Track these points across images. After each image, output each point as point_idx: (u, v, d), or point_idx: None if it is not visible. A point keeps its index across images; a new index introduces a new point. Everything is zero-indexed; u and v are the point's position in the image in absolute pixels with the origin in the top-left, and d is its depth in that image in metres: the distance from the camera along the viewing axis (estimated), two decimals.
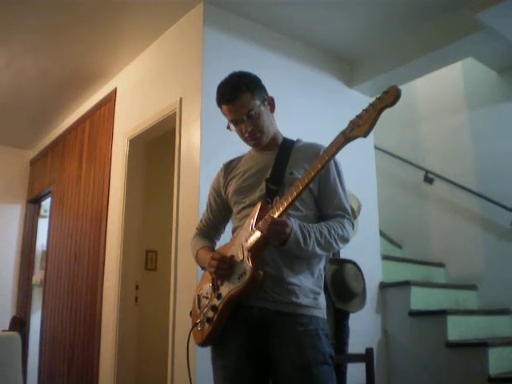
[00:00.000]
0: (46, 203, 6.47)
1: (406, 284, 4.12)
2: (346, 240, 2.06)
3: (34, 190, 6.59)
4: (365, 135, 1.75)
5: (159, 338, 3.87)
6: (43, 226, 6.44)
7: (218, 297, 1.99)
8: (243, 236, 1.99)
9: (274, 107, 2.22)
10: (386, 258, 4.47)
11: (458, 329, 3.77)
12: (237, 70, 3.65)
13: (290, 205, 1.87)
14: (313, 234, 1.93)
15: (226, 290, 1.96)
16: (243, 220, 2.06)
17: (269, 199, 1.99)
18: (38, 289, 6.36)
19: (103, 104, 4.97)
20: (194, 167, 3.47)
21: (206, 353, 2.12)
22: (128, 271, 4.19)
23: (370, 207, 4.35)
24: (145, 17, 3.92)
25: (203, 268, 2.22)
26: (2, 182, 6.60)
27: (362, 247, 4.00)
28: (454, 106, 5.09)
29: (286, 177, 2.05)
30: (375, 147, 4.70)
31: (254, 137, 2.14)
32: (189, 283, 3.34)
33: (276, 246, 1.91)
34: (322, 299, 2.05)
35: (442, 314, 3.81)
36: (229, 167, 2.31)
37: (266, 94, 2.21)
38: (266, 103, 2.17)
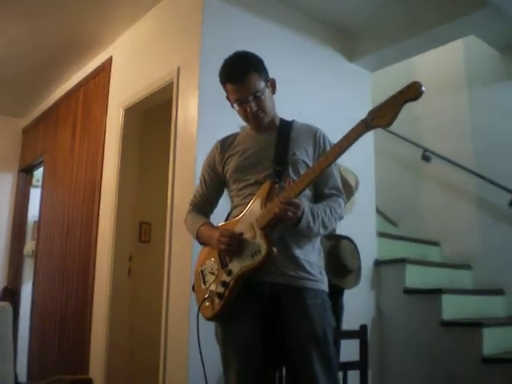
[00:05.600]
0: (39, 173, 6.39)
1: (401, 261, 4.10)
2: (341, 218, 2.21)
3: (26, 160, 6.50)
4: (388, 125, 1.86)
5: (152, 309, 3.84)
6: (35, 195, 6.35)
7: (229, 273, 2.06)
8: (252, 214, 2.06)
9: (275, 89, 2.28)
10: (381, 235, 4.44)
11: (452, 308, 3.77)
12: (236, 39, 3.61)
13: (306, 187, 1.98)
14: (320, 215, 2.05)
15: (237, 266, 2.04)
16: (247, 198, 2.14)
17: (276, 179, 2.07)
18: (29, 259, 6.30)
19: (98, 73, 4.87)
20: (191, 140, 3.40)
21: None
22: (121, 243, 4.14)
23: (367, 184, 4.31)
24: None
25: (203, 244, 2.29)
26: None
27: (358, 224, 3.95)
28: (453, 85, 5.03)
29: (289, 157, 2.14)
30: None
31: (257, 117, 2.19)
32: (183, 256, 3.31)
33: (288, 225, 1.99)
34: (324, 272, 2.19)
35: (437, 292, 3.79)
36: (225, 144, 2.34)
37: (268, 75, 2.24)
38: (268, 84, 2.22)
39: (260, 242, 1.98)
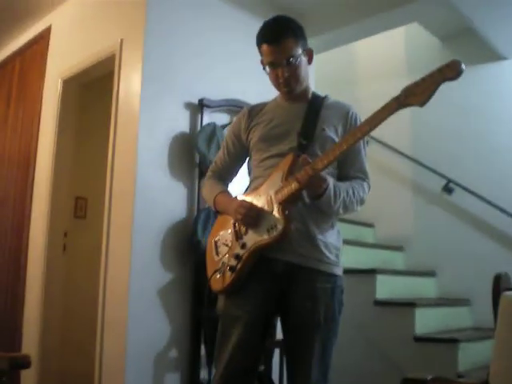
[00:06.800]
0: None
1: None
2: (363, 203, 2.13)
3: None
4: (421, 105, 1.78)
5: (88, 286, 3.78)
6: None
7: (243, 246, 2.01)
8: (271, 188, 1.99)
9: (311, 60, 2.18)
10: None
11: (386, 288, 3.87)
12: (182, 9, 3.54)
13: (331, 163, 1.90)
14: (342, 194, 1.98)
15: (252, 240, 1.98)
16: (268, 170, 2.07)
17: (300, 153, 1.98)
18: None
19: (36, 41, 4.65)
20: (133, 114, 3.33)
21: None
22: (56, 218, 4.02)
23: None
24: None
25: (219, 212, 2.23)
26: None
27: None
28: (394, 71, 5.11)
29: (317, 133, 2.06)
30: None
31: (288, 84, 2.10)
32: (121, 232, 3.26)
33: (309, 199, 1.97)
34: (341, 256, 2.14)
35: (371, 272, 3.88)
36: (253, 112, 2.24)
37: (307, 44, 2.16)
38: (305, 53, 2.13)
39: (277, 217, 1.92)
